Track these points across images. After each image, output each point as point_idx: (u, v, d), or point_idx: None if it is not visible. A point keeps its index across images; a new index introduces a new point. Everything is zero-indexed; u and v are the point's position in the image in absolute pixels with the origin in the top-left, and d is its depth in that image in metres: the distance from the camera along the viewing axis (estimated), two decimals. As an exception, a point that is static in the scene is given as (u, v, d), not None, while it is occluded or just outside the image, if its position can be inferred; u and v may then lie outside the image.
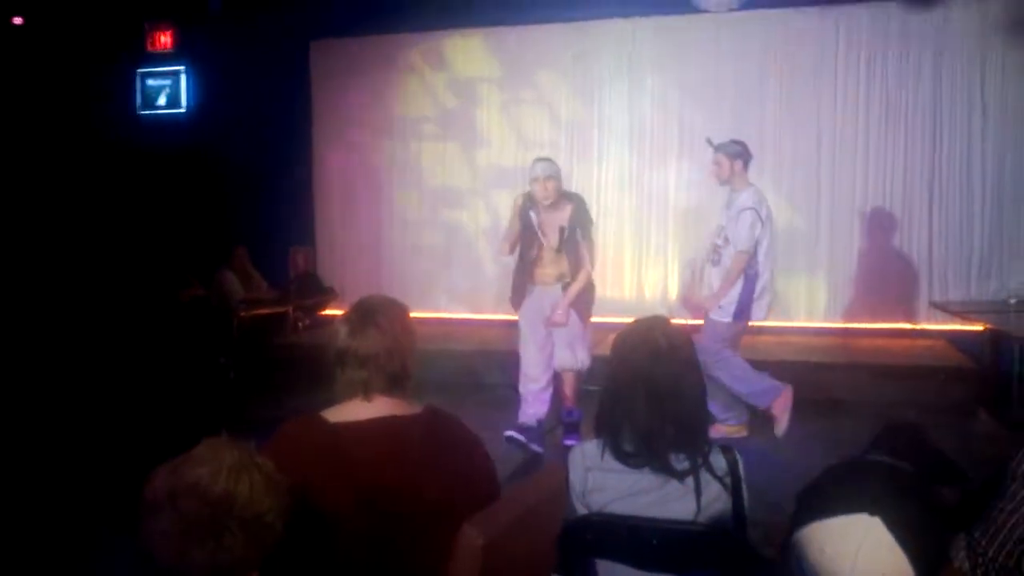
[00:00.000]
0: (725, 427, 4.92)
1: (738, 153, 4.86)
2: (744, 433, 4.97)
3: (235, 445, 1.27)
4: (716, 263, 4.95)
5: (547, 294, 4.96)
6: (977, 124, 7.01)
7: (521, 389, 4.99)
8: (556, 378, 5.07)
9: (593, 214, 7.81)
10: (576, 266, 4.91)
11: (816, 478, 1.26)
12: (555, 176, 4.85)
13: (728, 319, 4.85)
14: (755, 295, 4.85)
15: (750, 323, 5.04)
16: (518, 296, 5.05)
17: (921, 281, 7.17)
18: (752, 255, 4.79)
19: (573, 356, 4.96)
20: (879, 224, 7.25)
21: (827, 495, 1.18)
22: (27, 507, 3.91)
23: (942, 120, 7.10)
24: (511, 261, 5.18)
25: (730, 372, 4.82)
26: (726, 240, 4.87)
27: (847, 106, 7.27)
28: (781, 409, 4.85)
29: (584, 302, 4.98)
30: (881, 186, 7.24)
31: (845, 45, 7.25)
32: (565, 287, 4.90)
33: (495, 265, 7.52)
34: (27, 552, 3.46)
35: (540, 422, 4.94)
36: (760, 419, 5.07)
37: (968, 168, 7.06)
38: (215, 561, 1.18)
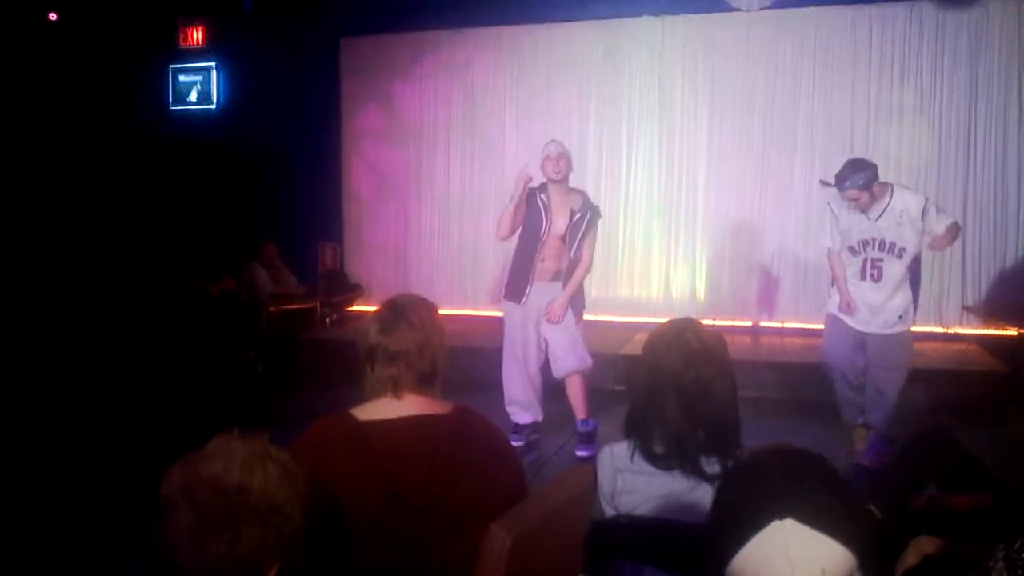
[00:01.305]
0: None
1: (868, 180, 4.31)
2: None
3: (247, 438, 1.27)
4: (877, 279, 4.47)
5: (545, 292, 4.82)
6: (1013, 125, 6.90)
7: (508, 408, 4.92)
8: (562, 385, 4.93)
9: (621, 213, 7.93)
10: (575, 260, 4.79)
11: (713, 510, 1.21)
12: (567, 155, 4.79)
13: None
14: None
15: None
16: (513, 289, 4.87)
17: (954, 284, 7.06)
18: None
19: (575, 358, 4.83)
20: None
21: (732, 521, 1.14)
22: (54, 504, 3.96)
23: (977, 121, 6.99)
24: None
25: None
26: (891, 249, 4.42)
27: (880, 106, 7.18)
28: (876, 456, 4.47)
29: (579, 301, 4.90)
30: (914, 184, 7.09)
31: (879, 44, 7.16)
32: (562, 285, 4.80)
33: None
34: (52, 548, 3.51)
35: (534, 422, 4.95)
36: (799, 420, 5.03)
37: (1003, 170, 6.95)
38: (235, 554, 1.18)
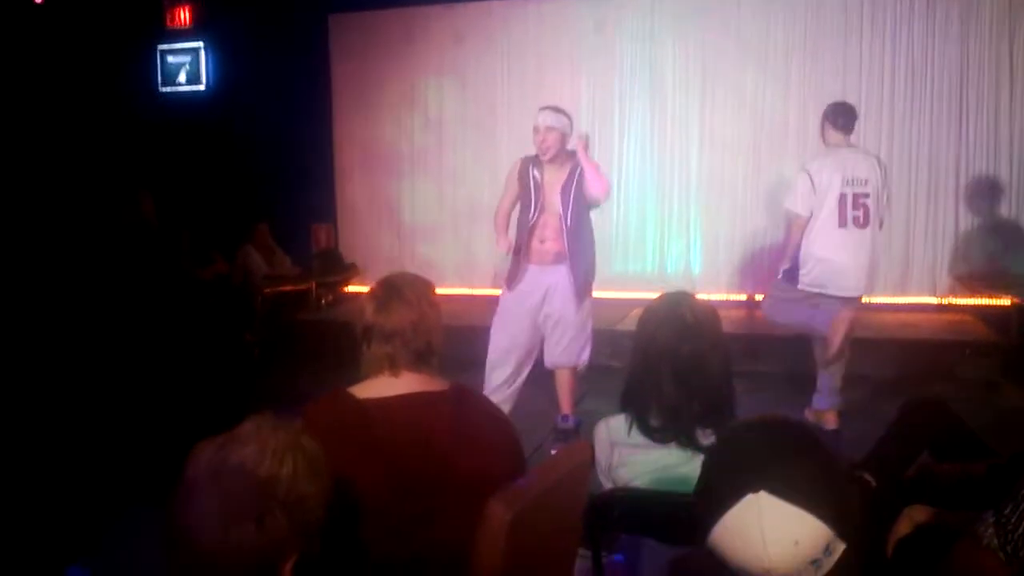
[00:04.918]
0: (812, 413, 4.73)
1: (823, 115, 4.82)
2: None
3: (281, 425, 1.25)
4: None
5: (544, 276, 4.42)
6: (1005, 92, 6.87)
7: (485, 388, 4.39)
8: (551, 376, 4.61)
9: (615, 188, 7.86)
10: (579, 236, 4.40)
11: (698, 482, 1.24)
12: (558, 128, 4.31)
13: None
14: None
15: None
16: (509, 274, 4.52)
17: (947, 254, 7.08)
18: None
19: (575, 350, 4.47)
20: (905, 196, 7.16)
21: (713, 493, 1.16)
22: (56, 488, 3.97)
23: (969, 88, 6.96)
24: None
25: None
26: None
27: (872, 74, 7.14)
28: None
29: (589, 283, 4.51)
30: (907, 156, 7.12)
31: (870, 11, 7.12)
32: (568, 268, 4.38)
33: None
34: (55, 532, 3.52)
35: None
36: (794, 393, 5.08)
37: (996, 138, 6.93)
38: (257, 544, 1.17)
